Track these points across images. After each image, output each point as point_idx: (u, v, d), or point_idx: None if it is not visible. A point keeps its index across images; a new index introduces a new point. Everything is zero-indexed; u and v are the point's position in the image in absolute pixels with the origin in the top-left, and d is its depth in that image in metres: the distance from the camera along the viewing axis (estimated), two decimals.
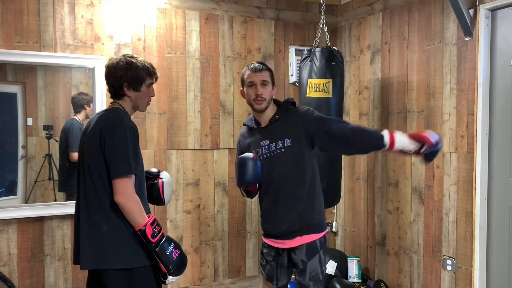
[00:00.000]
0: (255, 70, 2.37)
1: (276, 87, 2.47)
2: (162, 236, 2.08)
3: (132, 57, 2.15)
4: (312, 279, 2.30)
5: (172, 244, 2.11)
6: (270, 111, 2.39)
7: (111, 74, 2.13)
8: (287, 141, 2.29)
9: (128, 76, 2.10)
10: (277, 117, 2.37)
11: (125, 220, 2.03)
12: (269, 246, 2.45)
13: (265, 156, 2.34)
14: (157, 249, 2.04)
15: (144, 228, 2.00)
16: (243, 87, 2.43)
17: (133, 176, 2.03)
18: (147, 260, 2.09)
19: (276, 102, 2.45)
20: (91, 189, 2.05)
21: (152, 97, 2.24)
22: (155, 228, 2.05)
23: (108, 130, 2.03)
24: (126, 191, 1.99)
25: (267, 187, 2.37)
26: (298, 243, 2.32)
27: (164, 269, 2.07)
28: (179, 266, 2.11)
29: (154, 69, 2.19)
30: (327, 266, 3.78)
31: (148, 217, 2.05)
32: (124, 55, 2.17)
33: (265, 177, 2.33)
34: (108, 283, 2.06)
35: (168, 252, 2.07)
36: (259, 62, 2.44)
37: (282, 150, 2.30)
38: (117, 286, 2.06)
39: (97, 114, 2.22)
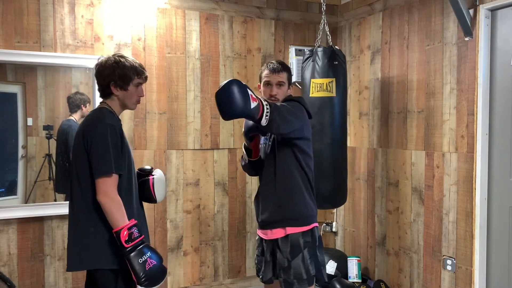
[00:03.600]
0: (273, 71, 2.41)
1: (292, 86, 2.52)
2: (140, 243, 2.01)
3: (121, 56, 2.14)
4: (296, 277, 2.32)
5: (149, 254, 2.02)
6: None
7: (99, 73, 2.12)
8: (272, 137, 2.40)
9: (115, 75, 2.09)
10: None
11: None
12: (259, 238, 2.53)
13: (263, 145, 2.47)
14: (130, 255, 1.97)
15: (119, 231, 1.96)
16: (260, 83, 2.50)
17: (115, 176, 2.00)
18: None
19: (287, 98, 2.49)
20: (78, 190, 2.06)
21: (141, 97, 2.21)
22: (133, 233, 1.99)
23: (89, 129, 2.03)
24: (107, 191, 1.97)
25: (260, 177, 2.50)
26: (278, 235, 2.36)
27: (134, 278, 2.00)
28: (151, 278, 2.00)
29: (143, 68, 2.17)
30: (327, 266, 3.78)
31: (130, 222, 2.01)
32: (114, 54, 2.16)
33: (261, 167, 2.46)
34: (100, 283, 2.07)
35: (141, 260, 1.98)
36: (279, 62, 2.46)
37: (270, 142, 2.41)
38: (108, 286, 2.06)
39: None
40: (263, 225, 2.45)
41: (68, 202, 2.13)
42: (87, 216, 2.04)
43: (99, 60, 2.15)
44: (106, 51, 3.36)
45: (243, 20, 3.89)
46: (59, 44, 3.24)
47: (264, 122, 2.06)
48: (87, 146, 2.01)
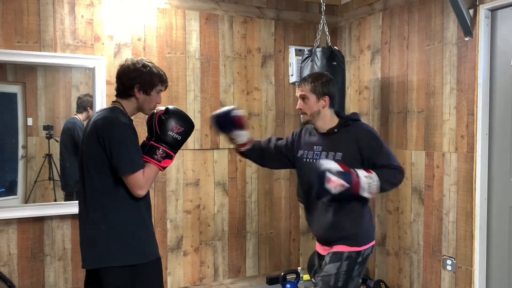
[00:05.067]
0: (298, 84, 2.41)
1: (327, 97, 2.34)
2: (166, 148, 2.17)
3: (149, 61, 2.21)
4: (323, 279, 2.27)
5: (173, 124, 2.22)
6: (328, 122, 2.37)
7: (125, 74, 2.16)
8: (338, 155, 2.28)
9: (141, 79, 2.14)
10: (336, 130, 2.35)
11: (123, 219, 2.07)
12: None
13: (312, 160, 2.37)
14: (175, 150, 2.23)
15: (162, 167, 2.16)
16: None
17: (142, 171, 2.07)
18: (146, 257, 2.11)
19: (338, 114, 2.41)
20: (90, 189, 2.08)
21: (158, 104, 2.27)
22: (160, 158, 2.14)
23: (106, 129, 2.05)
24: (140, 184, 2.05)
25: (309, 191, 2.39)
26: (331, 250, 2.34)
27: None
28: (189, 130, 2.34)
29: (167, 78, 2.25)
30: None
31: (149, 162, 2.12)
32: (141, 59, 2.23)
33: (308, 181, 2.37)
34: (106, 280, 2.07)
35: (177, 137, 2.23)
36: (309, 75, 2.44)
37: (320, 159, 2.32)
38: (116, 283, 2.07)
39: (96, 112, 2.24)
40: (322, 242, 2.43)
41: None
42: (99, 214, 2.06)
43: (126, 62, 2.19)
44: (106, 51, 3.37)
45: (243, 20, 3.89)
46: (59, 44, 3.24)
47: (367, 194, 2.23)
48: (104, 145, 2.02)
